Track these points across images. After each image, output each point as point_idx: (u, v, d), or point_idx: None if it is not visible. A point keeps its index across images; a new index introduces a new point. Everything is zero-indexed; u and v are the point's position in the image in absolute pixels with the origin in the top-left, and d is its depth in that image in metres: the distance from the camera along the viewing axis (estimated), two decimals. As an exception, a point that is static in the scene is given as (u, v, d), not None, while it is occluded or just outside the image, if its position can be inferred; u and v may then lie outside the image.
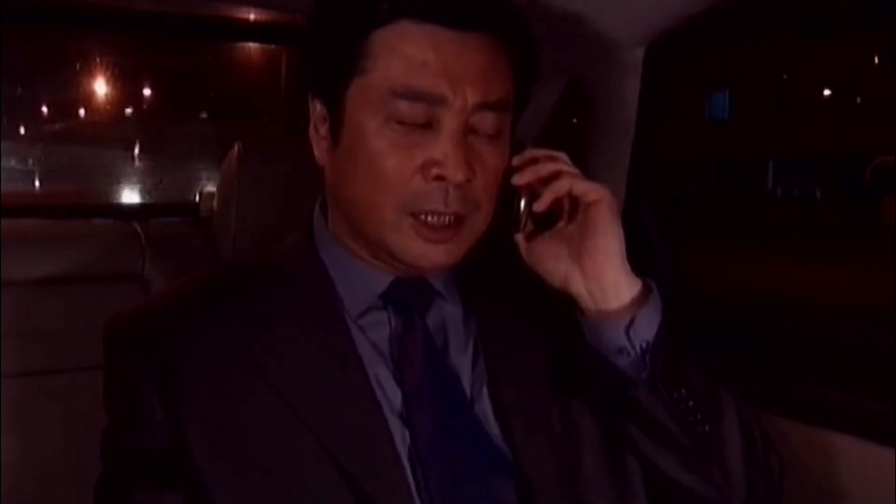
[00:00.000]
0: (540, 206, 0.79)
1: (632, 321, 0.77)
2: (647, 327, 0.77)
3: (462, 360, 0.82)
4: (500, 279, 0.86)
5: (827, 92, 18.46)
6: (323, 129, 0.81)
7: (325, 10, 0.80)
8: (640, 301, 0.78)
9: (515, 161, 0.80)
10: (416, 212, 0.76)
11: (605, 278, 0.79)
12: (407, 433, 0.77)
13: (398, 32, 0.75)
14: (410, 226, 0.76)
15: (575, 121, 1.37)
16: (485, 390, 0.81)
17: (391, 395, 0.78)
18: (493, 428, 0.80)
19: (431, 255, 0.77)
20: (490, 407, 0.80)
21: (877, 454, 0.97)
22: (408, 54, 0.74)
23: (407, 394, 0.78)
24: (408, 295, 0.82)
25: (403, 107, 0.74)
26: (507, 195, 0.80)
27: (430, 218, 0.76)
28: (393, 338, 0.81)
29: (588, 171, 0.83)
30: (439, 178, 0.75)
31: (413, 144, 0.75)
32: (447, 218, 0.76)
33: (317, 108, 0.81)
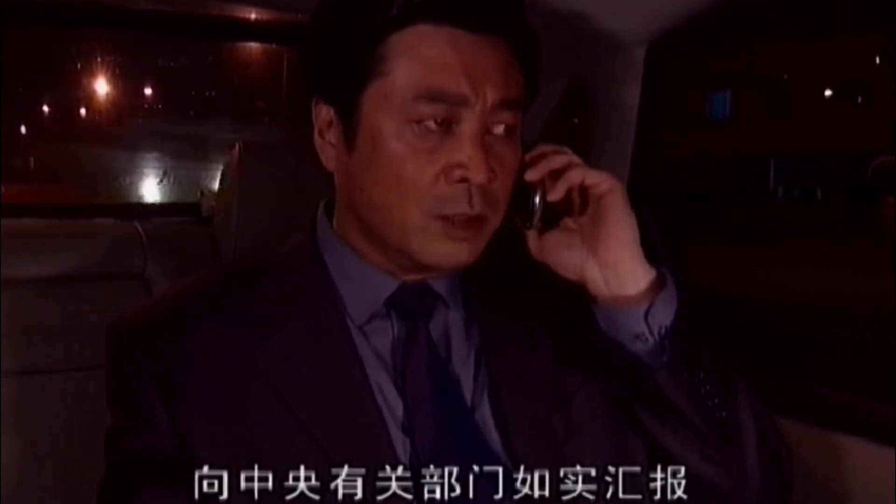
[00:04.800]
0: (555, 196, 0.80)
1: (649, 307, 0.78)
2: (664, 313, 0.78)
3: (464, 368, 0.82)
4: (503, 281, 0.85)
5: (828, 92, 18.44)
6: (330, 135, 0.80)
7: (333, 14, 0.79)
8: (657, 287, 0.79)
9: (527, 157, 0.80)
10: (442, 215, 0.76)
11: (621, 265, 0.79)
12: (408, 441, 0.77)
13: (416, 35, 0.75)
14: (439, 229, 0.76)
15: (576, 120, 1.37)
16: (485, 398, 0.81)
17: (392, 402, 0.78)
18: (493, 436, 0.79)
19: (456, 253, 0.77)
20: (490, 415, 0.80)
21: (877, 454, 0.97)
22: (427, 56, 0.74)
23: (409, 402, 0.78)
24: (412, 301, 0.82)
25: (424, 108, 0.74)
26: (518, 192, 0.80)
27: (456, 219, 0.76)
28: (395, 345, 0.80)
29: (589, 170, 0.84)
30: (462, 180, 0.75)
31: (434, 147, 0.75)
32: (470, 217, 0.76)
33: (322, 113, 0.80)
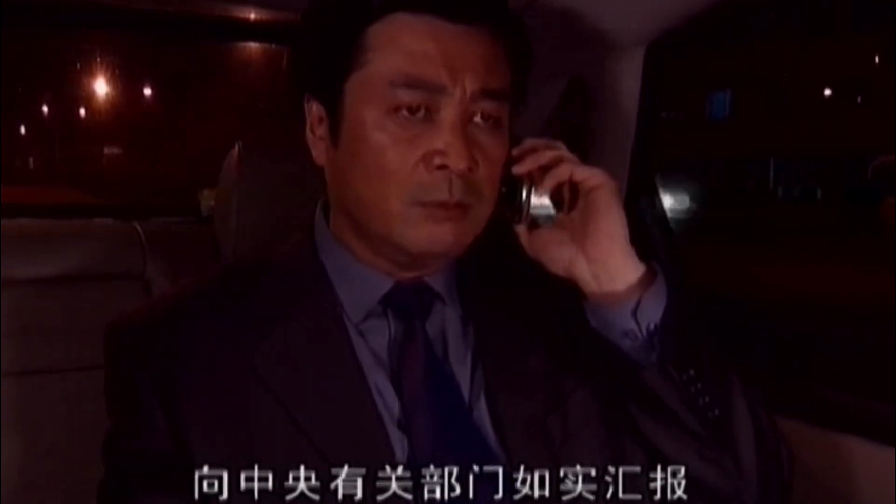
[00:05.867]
0: (542, 191, 0.80)
1: (638, 303, 0.77)
2: (653, 309, 0.78)
3: (461, 368, 0.81)
4: (501, 278, 0.85)
5: (827, 92, 18.46)
6: (320, 130, 0.81)
7: (317, 9, 0.80)
8: (646, 283, 0.79)
9: (515, 151, 0.80)
10: (422, 202, 0.76)
11: (610, 260, 0.79)
12: (405, 441, 0.77)
13: (395, 25, 0.75)
14: (419, 214, 0.76)
15: (576, 120, 1.37)
16: (482, 398, 0.80)
17: (390, 402, 0.78)
18: (490, 436, 0.79)
19: (439, 235, 0.76)
20: (487, 415, 0.80)
21: (877, 454, 0.97)
22: (406, 45, 0.75)
23: (405, 402, 0.78)
24: (409, 299, 0.82)
25: (402, 96, 0.74)
26: (508, 187, 0.80)
27: (436, 205, 0.76)
28: (392, 345, 0.80)
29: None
30: (442, 167, 0.75)
31: (414, 135, 0.75)
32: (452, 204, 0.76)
33: (313, 109, 0.81)
